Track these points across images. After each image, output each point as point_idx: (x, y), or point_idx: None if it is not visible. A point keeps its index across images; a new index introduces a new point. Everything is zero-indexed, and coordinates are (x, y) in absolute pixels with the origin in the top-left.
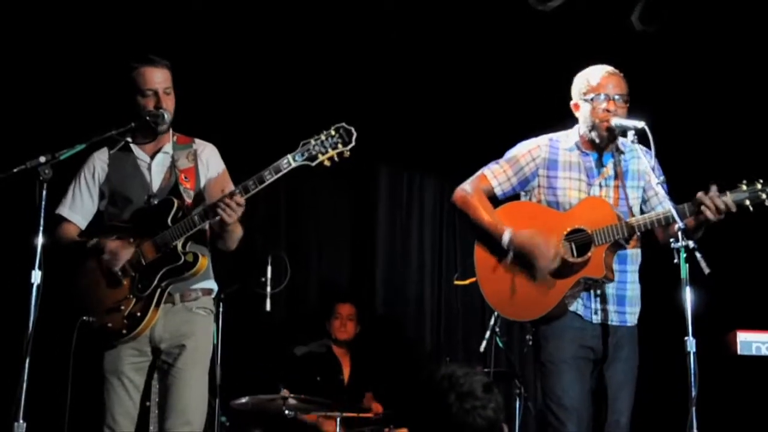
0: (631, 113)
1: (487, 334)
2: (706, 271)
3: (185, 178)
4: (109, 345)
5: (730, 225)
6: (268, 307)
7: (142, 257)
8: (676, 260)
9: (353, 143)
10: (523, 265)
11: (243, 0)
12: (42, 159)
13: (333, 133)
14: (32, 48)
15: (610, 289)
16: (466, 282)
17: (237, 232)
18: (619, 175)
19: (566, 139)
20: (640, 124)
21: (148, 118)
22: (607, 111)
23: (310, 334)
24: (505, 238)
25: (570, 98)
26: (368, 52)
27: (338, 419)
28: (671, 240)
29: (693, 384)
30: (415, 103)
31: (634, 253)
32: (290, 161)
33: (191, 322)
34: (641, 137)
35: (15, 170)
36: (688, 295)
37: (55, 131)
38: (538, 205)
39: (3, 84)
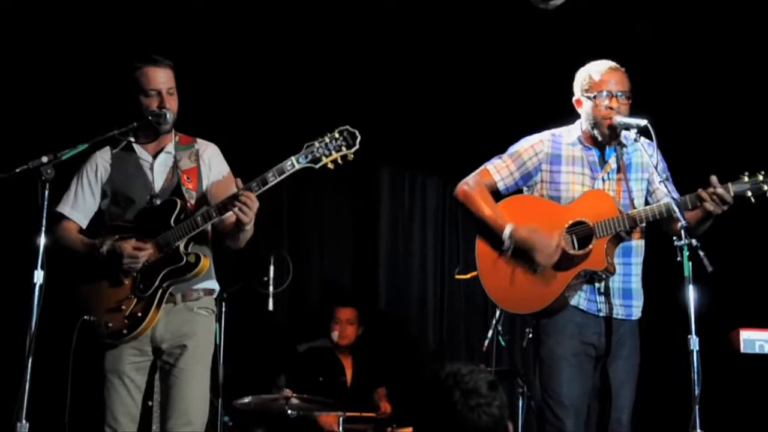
0: (633, 109)
1: (490, 332)
2: (709, 268)
3: (187, 178)
4: (110, 345)
5: (733, 222)
6: (270, 307)
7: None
8: (679, 258)
9: (357, 146)
10: (523, 259)
11: (247, 1)
12: (44, 159)
13: (337, 135)
14: (34, 48)
15: (615, 282)
16: (468, 276)
17: (250, 231)
18: (622, 169)
19: (568, 134)
20: (643, 121)
21: (150, 118)
22: (610, 108)
23: (313, 333)
24: (506, 232)
25: (572, 94)
26: (369, 53)
27: (340, 418)
28: (674, 238)
29: (696, 382)
30: (417, 103)
31: (638, 245)
32: (294, 163)
33: (193, 322)
34: (644, 134)
35: (17, 170)
36: (692, 293)
37: (58, 131)
38: (539, 199)
39: (5, 84)
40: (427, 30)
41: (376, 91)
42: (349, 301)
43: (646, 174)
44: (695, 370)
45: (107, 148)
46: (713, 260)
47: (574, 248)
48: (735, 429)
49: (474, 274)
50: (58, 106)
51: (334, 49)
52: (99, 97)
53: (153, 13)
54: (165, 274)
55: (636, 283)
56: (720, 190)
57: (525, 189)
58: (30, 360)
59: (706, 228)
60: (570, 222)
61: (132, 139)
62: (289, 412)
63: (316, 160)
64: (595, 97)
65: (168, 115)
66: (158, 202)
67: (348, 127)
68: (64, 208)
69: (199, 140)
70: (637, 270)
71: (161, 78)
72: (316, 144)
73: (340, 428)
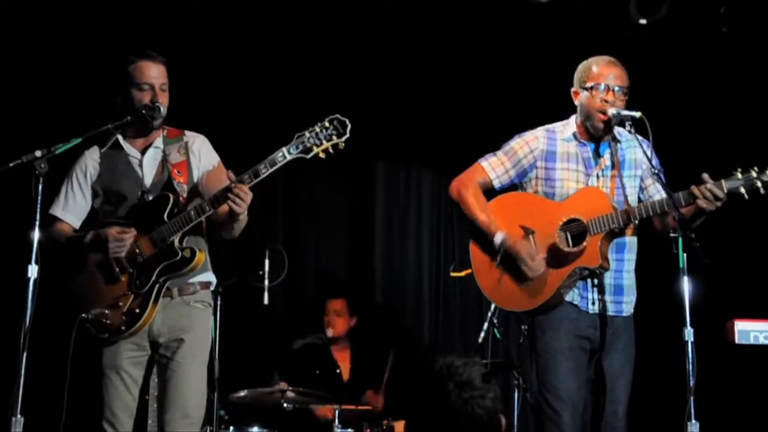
0: (628, 104)
1: (485, 325)
2: (704, 261)
3: (178, 172)
4: (107, 341)
5: (727, 215)
6: (266, 300)
7: (139, 253)
8: (675, 250)
9: (348, 134)
10: (508, 266)
11: None
12: (38, 153)
13: (327, 124)
14: (28, 43)
15: (607, 278)
16: (462, 273)
17: (244, 220)
18: (617, 165)
19: (563, 130)
20: (638, 114)
21: (144, 111)
22: (605, 101)
23: (309, 327)
24: (497, 239)
25: (566, 88)
26: (364, 48)
27: (336, 412)
28: (670, 230)
29: (691, 373)
30: (412, 99)
31: (631, 242)
32: (285, 154)
33: (189, 316)
34: (639, 127)
35: (11, 164)
36: (686, 285)
37: (51, 125)
38: (533, 196)
39: None
40: (422, 25)
41: (371, 86)
42: (338, 292)
43: (639, 170)
44: (690, 361)
45: (95, 148)
46: (708, 252)
47: (568, 245)
48: (730, 419)
49: (468, 271)
50: (51, 100)
51: (328, 44)
52: (92, 92)
53: (145, 7)
54: (161, 269)
55: (628, 280)
56: (713, 187)
57: (518, 185)
58: (24, 355)
59: (698, 223)
60: (564, 219)
61: (119, 136)
62: (285, 405)
63: (307, 150)
64: (592, 88)
65: (161, 109)
66: (150, 197)
67: (338, 115)
68: (56, 209)
69: (187, 132)
70: (629, 266)
71: (154, 73)
72: (307, 134)
73: (336, 421)
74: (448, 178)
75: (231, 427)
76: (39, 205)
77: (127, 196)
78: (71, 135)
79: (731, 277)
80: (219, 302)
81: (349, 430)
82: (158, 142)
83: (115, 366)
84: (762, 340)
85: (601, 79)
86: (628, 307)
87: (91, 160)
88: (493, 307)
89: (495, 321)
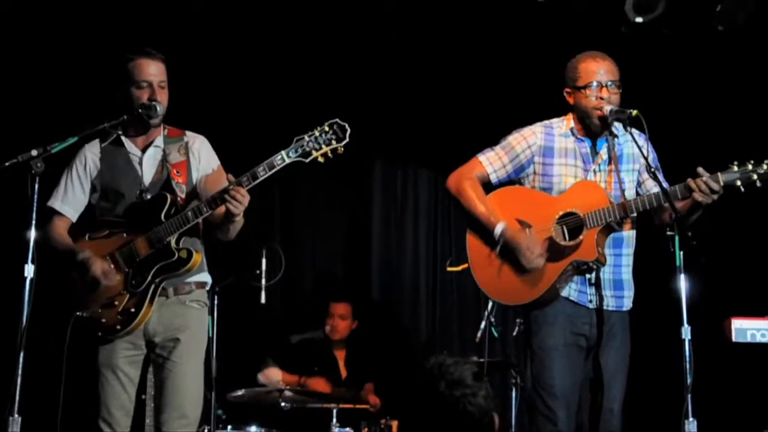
0: (623, 98)
1: (483, 323)
2: (701, 259)
3: (177, 172)
4: (103, 339)
5: (724, 212)
6: (263, 300)
7: (135, 253)
8: (672, 249)
9: (347, 139)
10: (512, 256)
11: None
12: (34, 152)
13: (327, 129)
14: (25, 41)
15: (606, 273)
16: (459, 268)
17: (240, 222)
18: (614, 160)
19: (561, 126)
20: (634, 111)
21: (141, 110)
22: (600, 99)
23: (305, 326)
24: (498, 230)
25: (562, 85)
26: (361, 47)
27: (335, 411)
28: (667, 228)
29: (688, 371)
30: (409, 98)
31: (629, 236)
32: (284, 157)
33: (185, 316)
34: (635, 124)
35: (7, 164)
36: (683, 283)
37: (47, 124)
38: (530, 190)
39: None
40: (420, 25)
41: (368, 86)
42: (342, 297)
43: (636, 164)
44: (687, 359)
45: (96, 142)
46: (705, 250)
47: (564, 239)
48: (727, 417)
49: (465, 266)
50: (47, 99)
51: (326, 44)
52: (89, 90)
53: (144, 7)
54: (157, 269)
55: (626, 274)
56: (709, 180)
57: (516, 181)
58: (21, 354)
59: (696, 217)
60: (560, 213)
61: (120, 133)
62: (283, 404)
63: (306, 154)
64: (585, 88)
65: (158, 108)
66: (148, 196)
67: (338, 120)
68: (55, 202)
69: (188, 133)
70: (627, 261)
71: (153, 70)
72: (306, 138)
73: (334, 420)
74: (446, 176)
75: (228, 427)
76: (35, 205)
77: (125, 193)
78: (67, 134)
79: (728, 275)
80: (216, 301)
81: (348, 429)
82: (159, 141)
83: (111, 365)
84: (759, 338)
85: (592, 77)
86: (627, 302)
87: (92, 154)
88: (490, 305)
89: (492, 319)
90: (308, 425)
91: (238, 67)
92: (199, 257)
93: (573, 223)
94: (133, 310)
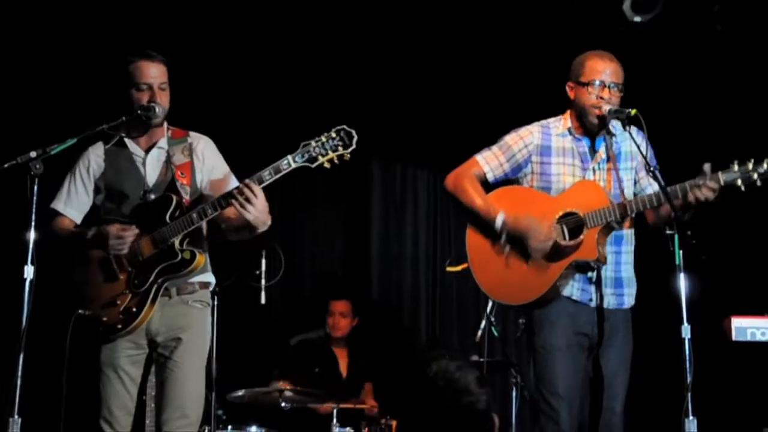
0: (623, 98)
1: (483, 323)
2: (701, 258)
3: (181, 174)
4: (105, 339)
5: (724, 210)
6: (263, 300)
7: (139, 253)
8: (671, 247)
9: (353, 146)
10: (516, 248)
11: None
12: (33, 154)
13: (334, 135)
14: (25, 42)
15: (607, 272)
16: (458, 268)
17: (264, 222)
18: (612, 158)
19: (558, 125)
20: (632, 111)
21: (139, 111)
22: (600, 98)
23: (305, 326)
24: (499, 220)
25: (563, 83)
26: (361, 47)
27: (335, 411)
28: (664, 223)
29: (688, 370)
30: (409, 97)
31: (628, 234)
32: (290, 162)
33: (188, 315)
34: (634, 123)
35: (6, 165)
36: (683, 282)
37: (47, 126)
38: (530, 190)
39: None
40: (419, 23)
41: (368, 85)
42: (342, 294)
43: (634, 163)
44: (687, 358)
45: (100, 144)
46: (705, 249)
47: (565, 239)
48: (727, 416)
49: (465, 266)
50: (47, 100)
51: (326, 43)
52: (88, 92)
53: (149, 9)
54: (160, 270)
55: (627, 272)
56: (710, 182)
57: (514, 180)
58: (21, 355)
59: (692, 213)
60: (560, 213)
61: (123, 135)
62: (283, 405)
63: (313, 160)
64: (587, 85)
65: (156, 109)
66: (152, 197)
67: (345, 126)
68: (58, 204)
69: (192, 134)
70: (628, 258)
71: (153, 72)
72: (313, 143)
73: (335, 420)
74: (444, 174)
75: (229, 427)
76: (35, 206)
77: (129, 194)
78: (67, 135)
79: (728, 274)
80: (216, 302)
81: (348, 428)
82: (162, 142)
83: (113, 364)
84: (759, 337)
85: (596, 76)
86: (629, 299)
87: (95, 156)
88: (490, 305)
89: (492, 319)
90: (308, 425)
91: (238, 68)
92: (202, 258)
93: (573, 223)
94: (134, 309)
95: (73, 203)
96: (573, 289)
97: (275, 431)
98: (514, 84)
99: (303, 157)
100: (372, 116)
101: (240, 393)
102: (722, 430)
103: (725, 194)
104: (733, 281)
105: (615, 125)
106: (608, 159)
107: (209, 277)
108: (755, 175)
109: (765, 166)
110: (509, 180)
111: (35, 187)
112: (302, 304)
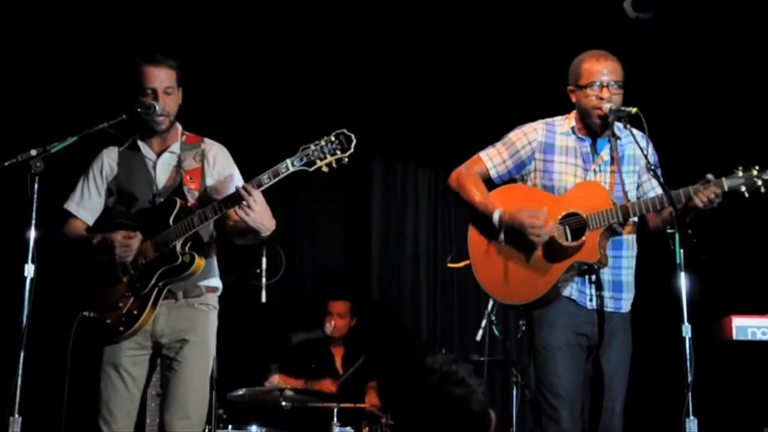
0: (625, 99)
1: (483, 322)
2: (702, 257)
3: (190, 179)
4: (108, 340)
5: (725, 211)
6: (263, 299)
7: (141, 256)
8: (672, 247)
9: (352, 150)
10: (515, 244)
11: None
12: (33, 152)
13: (333, 139)
14: (25, 42)
15: (606, 275)
16: (460, 265)
17: (268, 226)
18: (616, 161)
19: (562, 124)
20: (633, 109)
21: (139, 110)
22: (601, 99)
23: (306, 325)
24: (495, 216)
25: (567, 83)
26: (361, 46)
27: (335, 410)
28: (667, 227)
29: (689, 369)
30: (409, 95)
31: (629, 239)
32: (289, 166)
33: (193, 318)
34: (635, 123)
35: (6, 163)
36: (683, 281)
37: (47, 124)
38: (532, 189)
39: None
40: (420, 22)
41: (368, 84)
42: (341, 295)
43: (637, 166)
44: (688, 357)
45: (114, 147)
46: (706, 248)
47: (567, 240)
48: (727, 415)
49: (466, 262)
50: (47, 99)
51: (326, 43)
52: (89, 90)
53: (148, 11)
54: (161, 273)
55: (626, 276)
56: (713, 187)
57: (518, 179)
58: (22, 354)
59: (693, 214)
60: (563, 213)
61: (137, 136)
62: (284, 404)
63: (311, 163)
64: (586, 87)
65: (156, 107)
66: (161, 200)
67: (344, 130)
68: (71, 205)
69: (206, 140)
70: (628, 263)
71: (159, 77)
72: (312, 147)
73: (335, 419)
74: (445, 173)
75: (229, 426)
76: (35, 204)
77: (138, 197)
78: (67, 134)
79: (729, 273)
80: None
81: (348, 428)
82: (175, 147)
83: (115, 363)
84: (759, 336)
85: (594, 77)
86: (626, 304)
87: (109, 158)
88: (490, 304)
89: (493, 318)
90: (309, 425)
91: (239, 68)
92: (201, 262)
93: (576, 224)
94: (135, 312)
95: (86, 205)
96: (573, 290)
97: (276, 430)
98: (514, 83)
99: (302, 160)
100: (373, 115)
101: (240, 392)
102: (722, 430)
103: (726, 194)
104: (734, 280)
105: (619, 127)
106: (612, 161)
107: (216, 282)
108: (759, 182)
109: None
110: (514, 179)
111: (36, 186)
112: (303, 303)
